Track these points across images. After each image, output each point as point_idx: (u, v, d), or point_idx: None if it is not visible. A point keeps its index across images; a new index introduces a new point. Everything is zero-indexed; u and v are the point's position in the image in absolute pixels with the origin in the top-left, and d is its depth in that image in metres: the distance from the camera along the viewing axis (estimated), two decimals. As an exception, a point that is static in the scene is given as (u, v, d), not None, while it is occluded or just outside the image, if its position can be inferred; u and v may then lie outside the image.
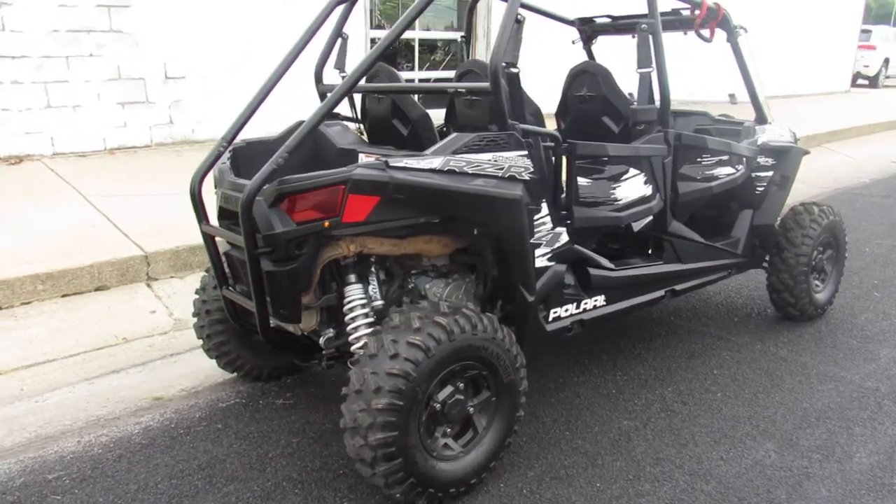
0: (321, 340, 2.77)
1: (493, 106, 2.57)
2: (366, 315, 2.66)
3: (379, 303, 2.72)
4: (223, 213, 2.74)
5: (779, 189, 3.86)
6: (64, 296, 4.21)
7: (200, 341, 3.34)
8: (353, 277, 2.69)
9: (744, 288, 4.73)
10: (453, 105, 3.00)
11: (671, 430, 2.99)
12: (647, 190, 3.10)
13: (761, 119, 3.92)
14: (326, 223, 2.36)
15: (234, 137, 2.83)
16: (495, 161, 2.54)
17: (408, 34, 9.40)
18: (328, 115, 2.53)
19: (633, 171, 3.05)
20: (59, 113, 6.40)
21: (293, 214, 2.40)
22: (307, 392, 3.35)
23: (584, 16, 4.21)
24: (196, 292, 3.33)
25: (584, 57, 4.08)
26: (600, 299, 3.09)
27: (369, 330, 2.64)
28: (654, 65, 3.03)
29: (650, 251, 3.40)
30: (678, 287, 3.47)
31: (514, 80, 2.73)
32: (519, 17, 2.52)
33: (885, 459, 2.79)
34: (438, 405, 2.42)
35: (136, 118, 6.84)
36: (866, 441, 2.92)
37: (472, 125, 2.86)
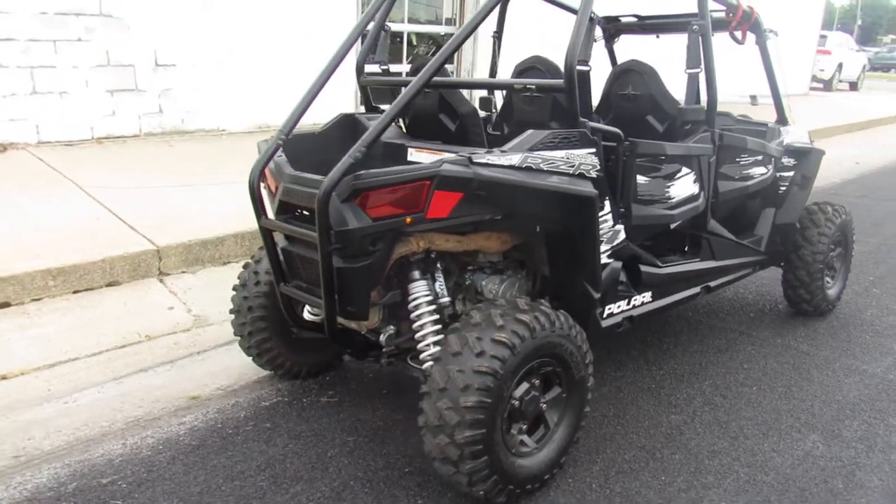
0: (382, 338, 2.74)
1: (565, 103, 2.57)
2: (431, 312, 2.64)
3: (446, 299, 2.70)
4: (282, 208, 2.68)
5: (800, 189, 3.97)
6: (75, 292, 4.05)
7: (237, 338, 3.26)
8: (416, 274, 2.66)
9: (751, 284, 4.85)
10: (510, 101, 2.99)
11: (718, 424, 3.06)
12: (696, 189, 3.15)
13: (783, 120, 4.03)
14: (408, 219, 2.32)
15: (291, 130, 2.77)
16: (567, 158, 2.54)
17: (397, 27, 9.34)
18: (405, 109, 2.49)
19: (685, 170, 3.09)
20: (46, 99, 6.15)
21: (369, 210, 2.36)
22: (349, 389, 3.31)
23: (609, 14, 4.25)
24: (234, 289, 3.25)
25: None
26: (647, 296, 3.13)
27: (436, 327, 2.62)
28: (702, 66, 3.08)
29: (686, 248, 3.46)
30: (712, 283, 3.54)
31: (585, 77, 2.73)
32: (592, 15, 2.53)
33: (924, 449, 2.92)
34: (516, 402, 2.42)
35: (124, 106, 6.61)
36: (903, 432, 3.05)
37: (530, 122, 2.85)
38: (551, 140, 2.51)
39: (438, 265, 2.74)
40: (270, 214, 2.74)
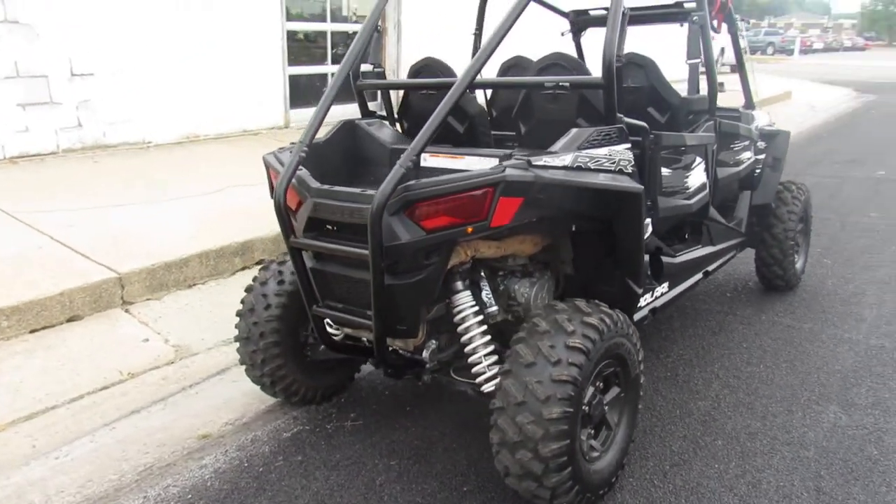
0: (425, 354, 2.60)
1: (604, 99, 2.52)
2: (479, 323, 2.54)
3: (493, 308, 2.60)
4: (311, 225, 2.49)
5: (772, 171, 4.14)
6: (33, 331, 3.64)
7: (244, 367, 3.03)
8: (460, 285, 2.55)
9: (716, 264, 5.03)
10: (528, 99, 2.91)
11: (743, 405, 3.13)
12: (705, 177, 3.21)
13: (750, 105, 4.18)
14: (469, 229, 2.21)
15: (311, 141, 2.57)
16: (610, 155, 2.50)
17: (321, 26, 9.03)
18: (452, 111, 2.37)
19: (698, 160, 3.13)
20: (-52, 119, 5.50)
21: (423, 222, 2.23)
22: (370, 410, 3.14)
23: (577, 8, 4.25)
24: (240, 315, 3.01)
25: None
26: (665, 286, 3.16)
27: (486, 338, 2.52)
28: (702, 56, 3.13)
29: (686, 236, 3.52)
30: (710, 268, 3.63)
31: (619, 73, 2.68)
32: (624, 10, 2.49)
33: (930, 409, 3.10)
34: (586, 407, 2.36)
35: (39, 121, 6.01)
36: (906, 394, 3.23)
37: (554, 120, 2.79)
38: (595, 138, 2.47)
39: (482, 273, 2.64)
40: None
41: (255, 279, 3.06)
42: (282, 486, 2.61)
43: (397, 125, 3.39)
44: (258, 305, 2.95)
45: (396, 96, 3.59)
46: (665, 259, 3.10)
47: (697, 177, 3.13)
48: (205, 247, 4.43)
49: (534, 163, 2.26)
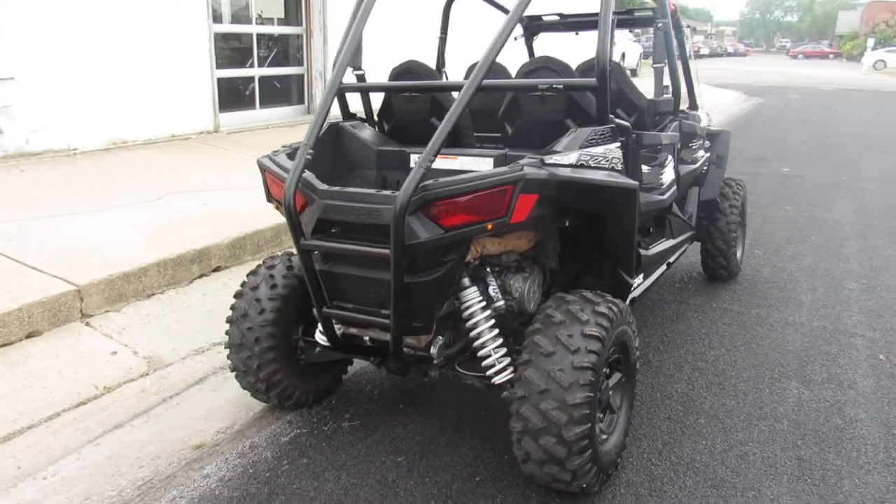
0: (433, 350, 2.66)
1: (597, 101, 2.66)
2: (487, 318, 2.62)
3: (500, 303, 2.68)
4: (320, 226, 2.49)
5: (717, 168, 4.44)
6: (-9, 349, 3.43)
7: (237, 374, 2.98)
8: (467, 281, 2.62)
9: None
10: (515, 101, 3.01)
11: (716, 385, 3.35)
12: (674, 174, 3.41)
13: (694, 106, 4.47)
14: (489, 226, 2.29)
15: (314, 142, 2.58)
16: (605, 154, 2.65)
17: (247, 28, 8.83)
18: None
19: (669, 158, 3.33)
20: None
21: (442, 220, 2.30)
22: (363, 409, 3.16)
23: (530, 14, 4.41)
24: (231, 321, 2.96)
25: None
26: (640, 278, 3.34)
27: (495, 332, 2.60)
28: (666, 60, 3.34)
29: (651, 230, 3.73)
30: (671, 260, 3.85)
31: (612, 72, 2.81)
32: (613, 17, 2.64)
33: (875, 381, 3.43)
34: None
35: (-43, 129, 5.62)
36: (853, 367, 3.55)
37: (543, 120, 2.91)
38: (593, 137, 2.60)
39: (487, 269, 2.72)
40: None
41: (244, 284, 3.01)
42: (293, 490, 2.59)
43: (375, 127, 3.42)
44: (251, 311, 2.91)
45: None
46: (645, 252, 3.28)
47: (669, 174, 3.34)
48: (162, 255, 4.29)
49: (546, 161, 2.37)
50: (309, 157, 2.51)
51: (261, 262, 3.11)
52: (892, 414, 3.11)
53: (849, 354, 3.70)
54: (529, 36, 4.53)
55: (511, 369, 2.57)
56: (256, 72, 8.72)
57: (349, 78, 3.18)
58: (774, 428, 2.99)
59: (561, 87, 2.71)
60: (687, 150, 3.77)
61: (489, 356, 2.58)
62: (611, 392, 2.62)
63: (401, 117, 3.26)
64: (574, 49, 4.30)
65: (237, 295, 3.00)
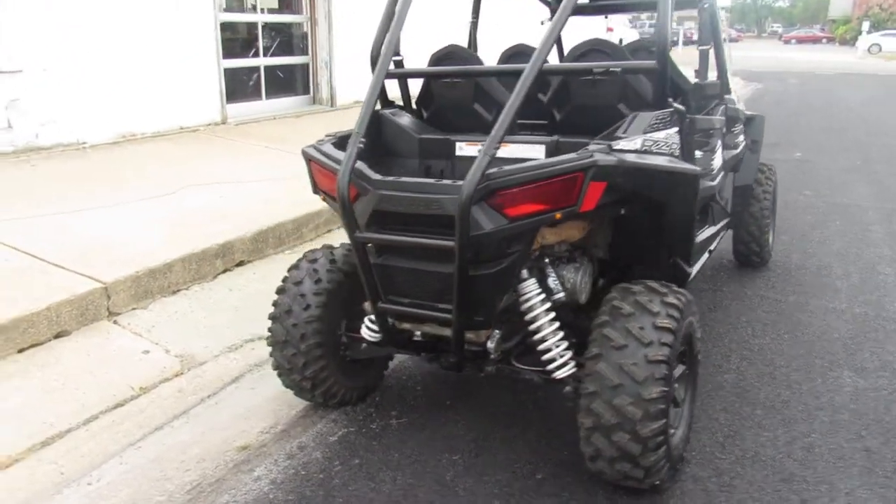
0: (490, 344, 2.56)
1: (657, 84, 2.56)
2: (547, 311, 2.53)
3: (560, 295, 2.59)
4: (375, 218, 2.39)
5: (752, 153, 4.35)
6: (20, 350, 3.32)
7: (283, 372, 2.88)
8: (526, 273, 2.53)
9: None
10: (564, 86, 2.90)
11: (766, 375, 3.28)
12: (721, 159, 3.33)
13: (727, 89, 4.37)
14: (558, 215, 2.20)
15: (366, 131, 2.48)
16: (666, 139, 2.56)
17: (252, 17, 8.67)
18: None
19: (718, 143, 3.24)
20: None
21: (507, 210, 2.21)
22: (409, 407, 3.07)
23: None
24: (274, 318, 2.85)
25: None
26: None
27: (556, 324, 2.51)
28: (712, 42, 3.24)
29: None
30: (711, 248, 3.77)
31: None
32: None
33: (927, 366, 3.37)
34: None
35: (-35, 124, 5.47)
36: (902, 355, 3.49)
37: (595, 105, 2.81)
38: (655, 122, 2.51)
39: (546, 260, 2.63)
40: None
41: (286, 279, 2.91)
42: (350, 492, 2.50)
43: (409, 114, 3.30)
44: (296, 306, 2.81)
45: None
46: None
47: (718, 159, 3.25)
48: (186, 251, 4.18)
49: (614, 147, 2.27)
50: (361, 146, 2.41)
51: (302, 255, 3.00)
52: (952, 401, 3.05)
53: (896, 341, 3.64)
54: (557, 20, 4.41)
55: (573, 363, 2.49)
56: (262, 61, 8.57)
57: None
58: (835, 418, 2.91)
59: (619, 70, 2.61)
60: (729, 135, 3.68)
61: (550, 350, 2.49)
62: (676, 384, 2.53)
63: (442, 104, 3.15)
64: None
65: (280, 290, 2.90)
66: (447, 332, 2.49)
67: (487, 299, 2.35)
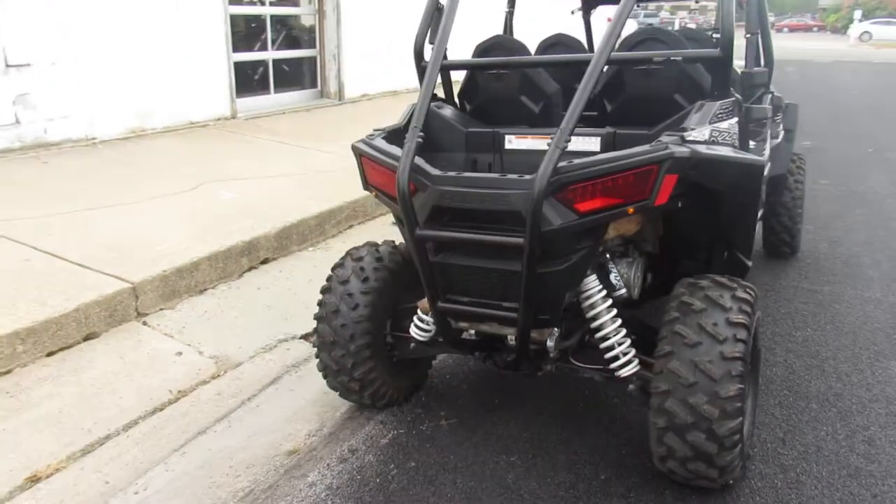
0: (549, 343, 2.50)
1: (720, 73, 2.49)
2: (609, 309, 2.46)
3: (622, 291, 2.53)
4: (435, 214, 2.32)
5: (786, 142, 4.29)
6: (49, 354, 3.24)
7: (330, 374, 2.81)
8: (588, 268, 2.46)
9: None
10: (617, 76, 2.83)
11: (815, 367, 3.22)
12: (769, 149, 3.26)
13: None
14: (630, 209, 2.13)
15: (423, 125, 2.40)
16: (728, 129, 2.49)
17: (261, 10, 8.53)
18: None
19: (767, 132, 3.18)
20: None
21: (577, 205, 2.14)
22: (457, 407, 3.00)
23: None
24: (321, 319, 2.78)
25: None
26: (735, 258, 3.20)
27: (619, 321, 2.45)
28: (759, 29, 3.17)
29: None
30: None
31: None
32: None
33: (974, 357, 3.32)
34: None
35: (-29, 120, 5.34)
36: (947, 345, 3.45)
37: (648, 96, 2.74)
38: (721, 112, 2.44)
39: (607, 255, 2.56)
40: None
41: (331, 279, 2.83)
42: (410, 496, 2.43)
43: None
44: (343, 306, 2.73)
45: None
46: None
47: (766, 149, 3.19)
48: (212, 248, 4.09)
49: (687, 139, 2.20)
50: (420, 140, 2.32)
51: (346, 253, 2.92)
52: None
53: (939, 330, 3.60)
54: (588, 10, 4.34)
55: (636, 361, 2.43)
56: (270, 55, 8.44)
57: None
58: (890, 410, 2.87)
59: (680, 59, 2.54)
60: (773, 124, 3.62)
61: (613, 348, 2.43)
62: (743, 381, 2.47)
63: (487, 96, 3.07)
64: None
65: (325, 290, 2.82)
66: (507, 331, 2.42)
67: (554, 297, 2.29)
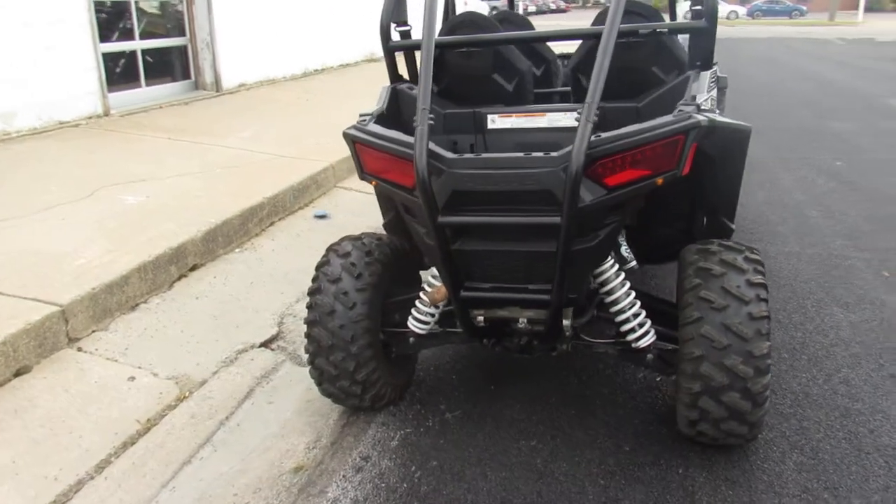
0: (565, 321, 2.46)
1: (705, 43, 2.55)
2: (623, 282, 2.47)
3: (633, 263, 2.54)
4: (456, 200, 2.20)
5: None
6: (-21, 397, 2.77)
7: (328, 379, 2.63)
8: (600, 244, 2.45)
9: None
10: (593, 51, 2.81)
11: (773, 321, 3.44)
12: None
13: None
14: (660, 180, 2.13)
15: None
16: (713, 97, 2.56)
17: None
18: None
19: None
20: None
21: (606, 179, 2.12)
22: (455, 398, 2.91)
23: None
24: (314, 322, 2.58)
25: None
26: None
27: (633, 294, 2.46)
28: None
29: None
30: None
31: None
32: None
33: None
34: None
35: None
36: (871, 287, 3.76)
37: (629, 68, 2.76)
38: (711, 81, 2.50)
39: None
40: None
41: (317, 278, 2.64)
42: (445, 497, 2.33)
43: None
44: (339, 306, 2.56)
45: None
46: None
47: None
48: (140, 259, 3.69)
49: (702, 107, 2.23)
50: (432, 122, 2.20)
51: (328, 249, 2.72)
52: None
53: (860, 276, 3.95)
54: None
55: (653, 332, 2.46)
56: (138, 44, 7.71)
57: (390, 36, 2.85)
58: (851, 352, 3.11)
59: (666, 31, 2.57)
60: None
61: (629, 321, 2.45)
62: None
63: (457, 74, 2.96)
64: None
65: (313, 291, 2.62)
66: (527, 314, 2.37)
67: (582, 275, 2.26)
